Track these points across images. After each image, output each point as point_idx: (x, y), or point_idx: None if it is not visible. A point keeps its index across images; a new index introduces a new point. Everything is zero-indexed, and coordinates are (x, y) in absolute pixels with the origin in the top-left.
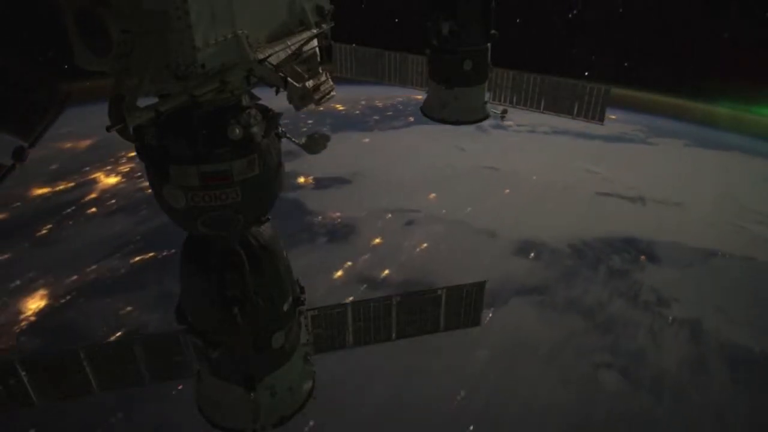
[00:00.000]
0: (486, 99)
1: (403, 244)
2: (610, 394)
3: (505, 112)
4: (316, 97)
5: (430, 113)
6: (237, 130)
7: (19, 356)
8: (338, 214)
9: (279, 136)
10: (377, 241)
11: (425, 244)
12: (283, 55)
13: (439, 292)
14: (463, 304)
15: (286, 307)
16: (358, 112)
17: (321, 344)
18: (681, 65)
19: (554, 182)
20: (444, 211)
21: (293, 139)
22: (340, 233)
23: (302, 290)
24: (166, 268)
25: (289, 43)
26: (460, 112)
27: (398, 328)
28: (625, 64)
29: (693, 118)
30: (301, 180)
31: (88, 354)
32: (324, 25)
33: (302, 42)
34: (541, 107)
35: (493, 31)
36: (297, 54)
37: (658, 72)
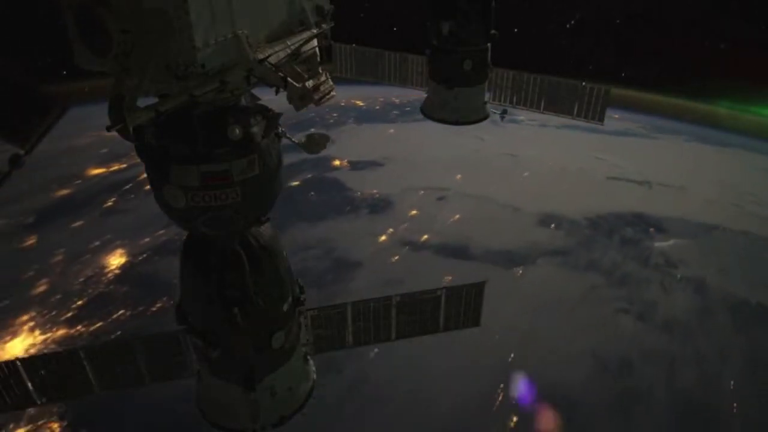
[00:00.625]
0: (486, 99)
1: (437, 215)
2: (629, 334)
3: (505, 112)
4: (316, 97)
5: (430, 113)
6: (237, 130)
7: (20, 356)
8: (375, 190)
9: (279, 136)
10: (413, 212)
11: (457, 216)
12: (283, 55)
13: (439, 292)
14: (463, 304)
15: (286, 307)
16: (378, 107)
17: (321, 344)
18: (680, 65)
19: (568, 167)
20: (470, 189)
21: (293, 139)
22: (380, 206)
23: (302, 290)
24: None
25: (289, 43)
26: (460, 112)
27: (398, 328)
28: (625, 65)
29: (692, 118)
30: (337, 163)
31: (88, 354)
32: (324, 25)
33: (302, 42)
34: (541, 107)
35: (493, 31)
36: (297, 54)
37: (657, 72)
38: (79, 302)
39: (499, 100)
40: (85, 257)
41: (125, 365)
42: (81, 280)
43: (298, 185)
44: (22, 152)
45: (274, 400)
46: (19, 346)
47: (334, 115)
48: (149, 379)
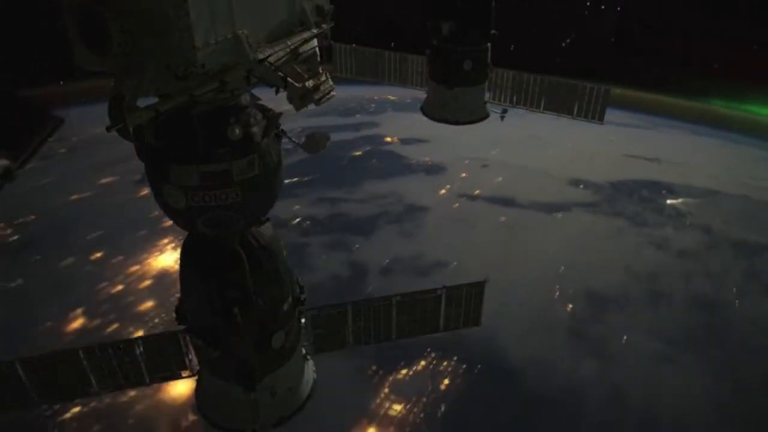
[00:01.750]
0: (486, 99)
1: (483, 177)
2: (651, 257)
3: (505, 111)
4: (316, 97)
5: (430, 113)
6: (237, 131)
7: (19, 356)
8: (427, 158)
9: (279, 136)
10: (463, 175)
11: (500, 178)
12: (283, 55)
13: (439, 292)
14: (463, 304)
15: (286, 307)
16: (409, 100)
17: (321, 344)
18: (679, 65)
19: (586, 147)
20: (507, 160)
21: (293, 139)
22: (434, 170)
23: (302, 290)
24: (313, 185)
25: (289, 43)
26: (460, 112)
27: (398, 328)
28: (625, 64)
29: (690, 116)
30: (388, 139)
31: (88, 354)
32: (324, 25)
33: (302, 42)
34: (541, 107)
35: (493, 31)
36: (297, 54)
37: (657, 72)
38: None
39: (499, 100)
40: None
41: (125, 365)
42: None
43: (360, 155)
44: (14, 166)
45: (274, 400)
46: (169, 260)
47: (372, 105)
48: (149, 379)
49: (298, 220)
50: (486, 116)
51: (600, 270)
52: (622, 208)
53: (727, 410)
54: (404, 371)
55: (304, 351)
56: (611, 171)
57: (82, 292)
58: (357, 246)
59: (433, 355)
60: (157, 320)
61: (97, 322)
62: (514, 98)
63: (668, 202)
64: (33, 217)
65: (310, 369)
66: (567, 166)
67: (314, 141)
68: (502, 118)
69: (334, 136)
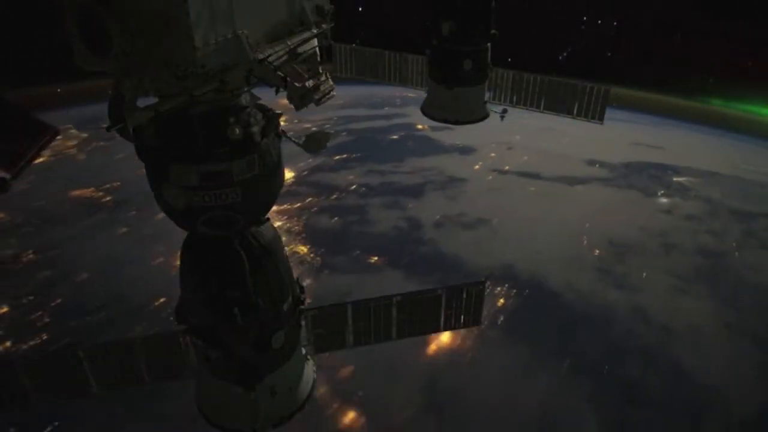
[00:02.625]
0: (486, 99)
1: (510, 156)
2: (662, 220)
3: (505, 111)
4: (316, 97)
5: (430, 113)
6: (237, 130)
7: (19, 356)
8: (458, 142)
9: (279, 136)
10: (492, 155)
11: (525, 157)
12: (283, 55)
13: (439, 291)
14: (464, 304)
15: (286, 307)
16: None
17: (321, 344)
18: (679, 65)
19: (597, 136)
20: (529, 144)
21: (293, 139)
22: (466, 151)
23: (302, 290)
24: (361, 160)
25: (289, 43)
26: (460, 111)
27: (398, 328)
28: (625, 64)
29: (690, 117)
30: (420, 126)
31: (88, 354)
32: (324, 25)
33: (302, 42)
34: (541, 107)
35: (493, 31)
36: (297, 54)
37: (657, 72)
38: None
39: (499, 100)
40: None
41: (125, 365)
42: None
43: (397, 138)
44: (8, 177)
45: (274, 400)
46: None
47: (397, 99)
48: (149, 379)
49: (354, 186)
50: (486, 116)
51: (619, 227)
52: (634, 182)
53: (731, 324)
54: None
55: (304, 351)
56: (622, 155)
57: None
58: (410, 206)
59: (488, 283)
60: None
61: None
62: (514, 98)
63: (674, 179)
64: (118, 183)
65: (310, 369)
66: (582, 150)
67: (314, 141)
68: (502, 117)
69: (370, 124)
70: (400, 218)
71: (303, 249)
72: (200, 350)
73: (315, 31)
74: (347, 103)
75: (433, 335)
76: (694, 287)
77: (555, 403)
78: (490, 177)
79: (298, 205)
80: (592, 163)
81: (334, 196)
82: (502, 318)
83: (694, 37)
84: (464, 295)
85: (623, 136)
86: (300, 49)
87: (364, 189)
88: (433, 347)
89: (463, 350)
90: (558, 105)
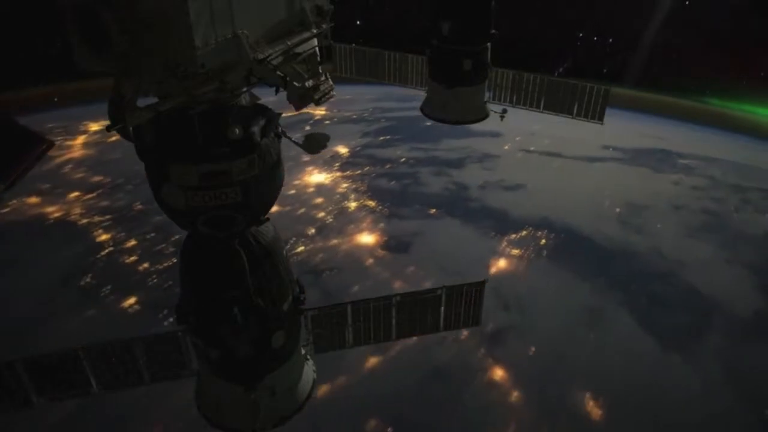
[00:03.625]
0: (486, 98)
1: (533, 140)
2: (671, 188)
3: (505, 111)
4: (316, 96)
5: (430, 113)
6: (236, 130)
7: (19, 356)
8: (486, 128)
9: (278, 136)
10: (518, 138)
11: (547, 141)
12: (283, 55)
13: (439, 291)
14: (463, 304)
15: (286, 307)
16: None
17: (321, 344)
18: (679, 65)
19: (606, 128)
20: (547, 133)
21: (293, 139)
22: (494, 135)
23: (302, 290)
24: (403, 140)
25: (289, 43)
26: (460, 111)
27: (398, 328)
28: (625, 64)
29: (688, 117)
30: None
31: (88, 354)
32: (324, 25)
33: (302, 42)
34: (541, 107)
35: (493, 31)
36: (297, 54)
37: (657, 72)
38: (337, 164)
39: (499, 100)
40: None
41: (125, 365)
42: (329, 156)
43: (430, 124)
44: (2, 186)
45: (274, 399)
46: (315, 179)
47: (422, 94)
48: (149, 379)
49: (403, 159)
50: (486, 116)
51: (634, 193)
52: (644, 162)
53: (731, 260)
54: (513, 234)
55: (304, 351)
56: (631, 142)
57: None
58: (454, 174)
59: (530, 228)
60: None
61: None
62: (514, 98)
63: (679, 161)
64: None
65: (310, 369)
66: (596, 137)
67: (314, 141)
68: (502, 117)
69: (403, 113)
70: (448, 182)
71: (371, 203)
72: (200, 350)
73: (315, 31)
74: (375, 97)
75: (494, 259)
76: (700, 235)
77: (597, 305)
78: (519, 155)
79: (359, 172)
80: (606, 147)
81: (388, 166)
82: (545, 252)
83: (693, 39)
84: (464, 296)
85: (628, 129)
86: (299, 49)
87: (412, 161)
88: (493, 269)
89: (517, 273)
90: (558, 105)
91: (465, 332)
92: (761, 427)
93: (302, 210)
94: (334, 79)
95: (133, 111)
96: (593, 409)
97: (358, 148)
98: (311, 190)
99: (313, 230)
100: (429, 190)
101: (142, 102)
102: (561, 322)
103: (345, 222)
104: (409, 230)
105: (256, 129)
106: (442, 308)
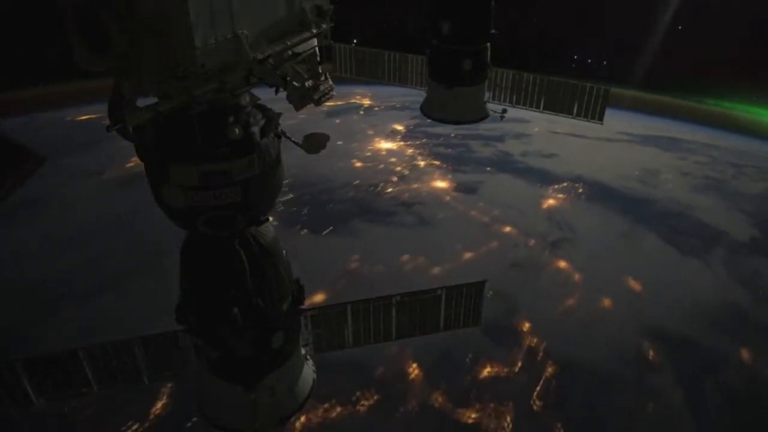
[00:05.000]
0: (486, 98)
1: (558, 124)
2: (679, 162)
3: (505, 111)
4: (316, 96)
5: (430, 113)
6: (236, 130)
7: (19, 356)
8: (513, 115)
9: (278, 136)
10: (543, 123)
11: (568, 126)
12: (283, 55)
13: (439, 291)
14: (463, 304)
15: (285, 307)
16: None
17: (321, 344)
18: (679, 66)
19: (613, 121)
20: (567, 121)
21: (293, 139)
22: (524, 120)
23: (302, 290)
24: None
25: (288, 43)
26: (459, 111)
27: (398, 328)
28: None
29: (689, 116)
30: None
31: (88, 354)
32: (323, 25)
33: (302, 42)
34: (541, 107)
35: (492, 31)
36: (296, 54)
37: (657, 72)
38: (398, 137)
39: (499, 100)
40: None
41: (125, 365)
42: (390, 131)
43: None
44: None
45: (274, 399)
46: (384, 146)
47: None
48: (149, 379)
49: (453, 134)
50: (486, 116)
51: (648, 163)
52: (653, 143)
53: (731, 207)
54: (556, 185)
55: (304, 351)
56: (638, 130)
57: None
58: (498, 145)
59: (568, 181)
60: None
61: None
62: (514, 98)
63: (683, 144)
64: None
65: (309, 369)
66: (609, 125)
67: (314, 141)
68: (502, 117)
69: None
70: (494, 151)
71: (436, 162)
72: (200, 350)
73: (314, 31)
74: (407, 92)
75: (543, 199)
76: (705, 192)
77: (628, 230)
78: (549, 135)
79: (418, 142)
80: (620, 132)
81: (441, 138)
82: (583, 197)
83: (693, 38)
84: (464, 296)
85: (632, 123)
86: (299, 49)
87: (460, 136)
88: (545, 205)
89: (563, 208)
90: (558, 105)
91: (532, 240)
92: (754, 300)
93: (381, 166)
94: (334, 79)
95: (133, 111)
96: (634, 286)
97: (411, 127)
98: (384, 153)
99: (395, 178)
100: (480, 155)
101: (142, 102)
102: (602, 238)
103: (419, 174)
104: (472, 180)
105: (255, 129)
106: (443, 308)
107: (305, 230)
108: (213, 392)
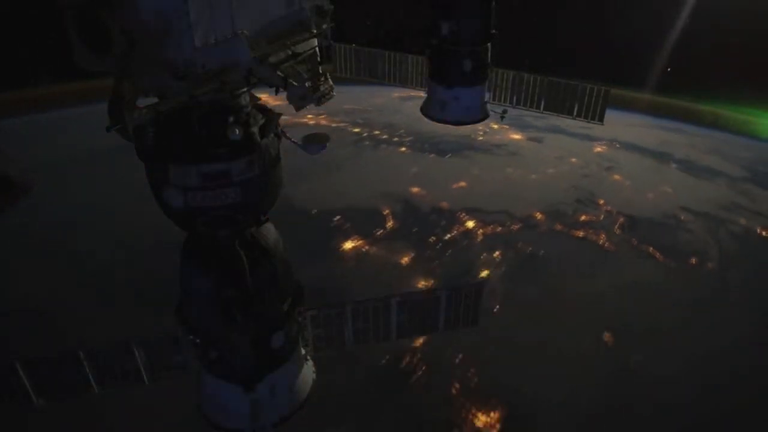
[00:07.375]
0: (486, 99)
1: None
2: (686, 148)
3: (505, 112)
4: (316, 96)
5: (430, 113)
6: (236, 131)
7: (20, 356)
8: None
9: (278, 136)
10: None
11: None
12: (283, 55)
13: (439, 292)
14: (463, 305)
15: (285, 307)
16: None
17: (321, 344)
18: (679, 66)
19: (621, 118)
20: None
21: (293, 139)
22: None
23: (302, 290)
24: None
25: (288, 43)
26: (460, 112)
27: (398, 329)
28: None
29: (687, 117)
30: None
31: (88, 354)
32: (324, 25)
33: (302, 42)
34: (541, 107)
35: (493, 31)
36: (296, 54)
37: (656, 72)
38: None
39: (499, 100)
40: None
41: (125, 365)
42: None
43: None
44: None
45: (274, 399)
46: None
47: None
48: (149, 379)
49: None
50: (486, 116)
51: (661, 142)
52: (662, 132)
53: (732, 180)
54: (597, 142)
55: (304, 351)
56: (646, 123)
57: None
58: (542, 121)
59: (604, 141)
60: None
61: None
62: (514, 98)
63: (688, 140)
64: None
65: (309, 369)
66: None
67: (315, 140)
68: (502, 118)
69: None
70: (544, 123)
71: (505, 126)
72: (200, 350)
73: (314, 31)
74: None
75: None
76: (708, 156)
77: (656, 164)
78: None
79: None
80: (630, 124)
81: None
82: (619, 146)
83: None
84: (463, 296)
85: (635, 118)
86: (299, 49)
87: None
88: (597, 150)
89: (608, 151)
90: (558, 105)
91: (594, 165)
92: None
93: (465, 128)
94: (334, 79)
95: (133, 111)
96: (666, 189)
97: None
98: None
99: (481, 135)
100: (532, 123)
101: (142, 102)
102: (638, 166)
103: (495, 133)
104: (537, 136)
105: (255, 129)
106: (442, 309)
107: (432, 154)
108: (213, 392)
